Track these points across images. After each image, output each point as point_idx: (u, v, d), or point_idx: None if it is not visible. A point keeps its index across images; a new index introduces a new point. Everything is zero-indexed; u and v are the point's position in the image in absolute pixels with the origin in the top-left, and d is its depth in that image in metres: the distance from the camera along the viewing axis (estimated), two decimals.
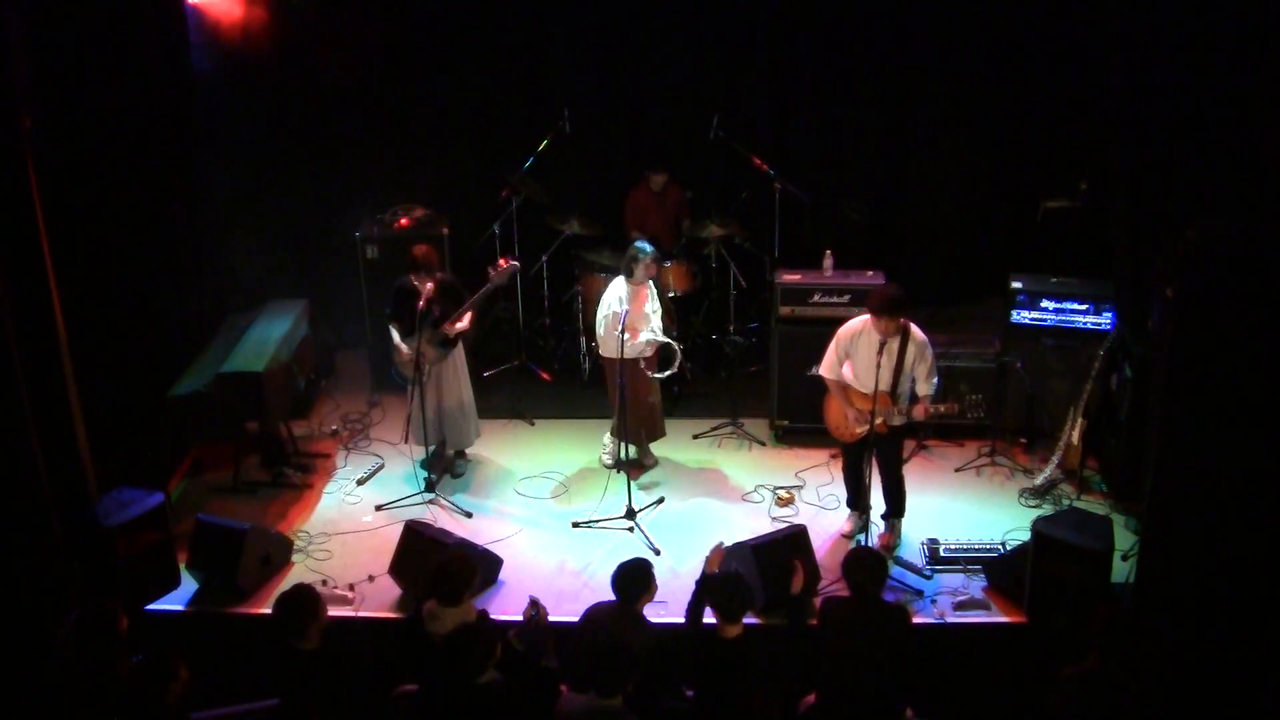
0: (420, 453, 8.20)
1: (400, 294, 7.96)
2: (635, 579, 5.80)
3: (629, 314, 7.78)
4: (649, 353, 7.93)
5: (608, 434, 8.41)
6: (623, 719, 5.21)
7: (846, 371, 7.16)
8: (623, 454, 8.12)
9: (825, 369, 7.25)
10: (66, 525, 6.36)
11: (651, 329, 7.89)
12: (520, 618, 6.02)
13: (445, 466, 8.33)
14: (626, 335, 7.71)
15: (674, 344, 7.89)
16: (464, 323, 7.90)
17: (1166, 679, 5.76)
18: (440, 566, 5.96)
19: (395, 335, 7.98)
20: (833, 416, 7.33)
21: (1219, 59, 6.36)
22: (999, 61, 9.77)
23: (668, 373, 7.93)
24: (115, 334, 7.48)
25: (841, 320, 7.32)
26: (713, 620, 5.76)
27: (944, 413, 7.15)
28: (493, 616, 6.72)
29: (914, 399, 7.10)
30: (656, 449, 8.46)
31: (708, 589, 5.80)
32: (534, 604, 5.88)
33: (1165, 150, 6.88)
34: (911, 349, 6.97)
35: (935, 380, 7.09)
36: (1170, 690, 5.77)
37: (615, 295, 7.88)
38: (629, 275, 7.85)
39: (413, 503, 7.97)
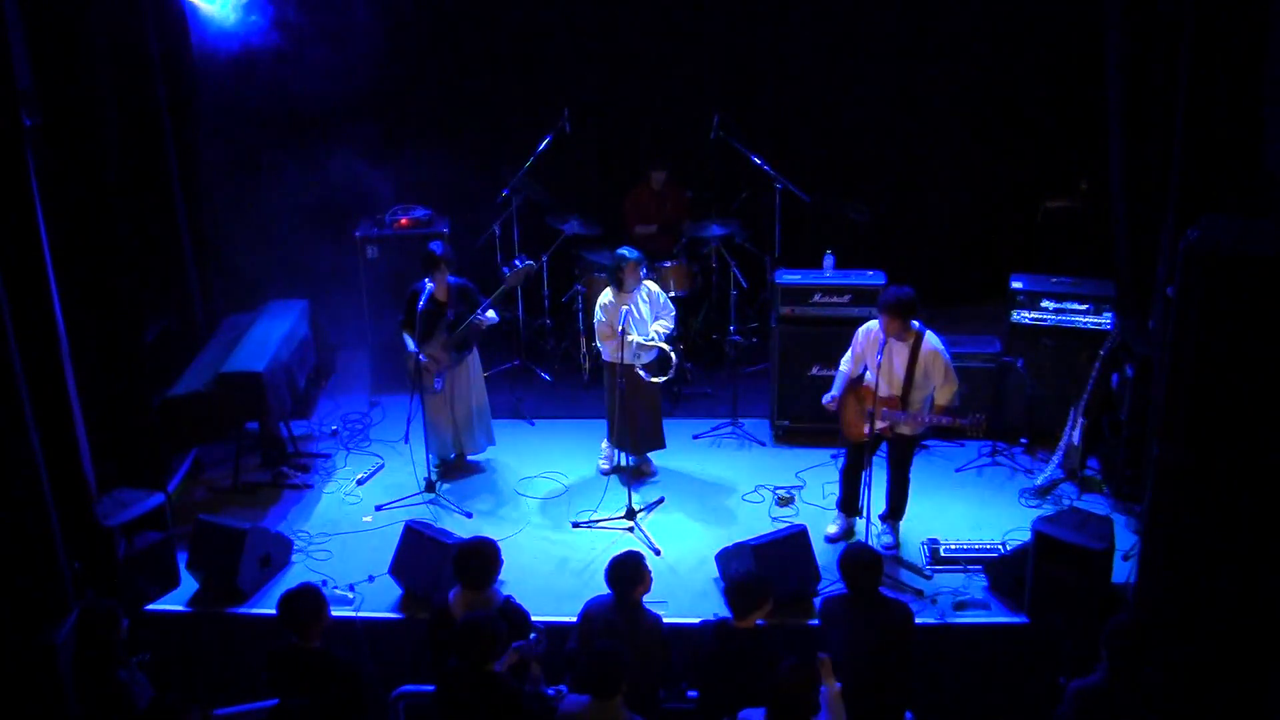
0: (420, 454, 8.17)
1: (413, 299, 7.88)
2: (627, 571, 5.83)
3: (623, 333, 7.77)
4: (644, 358, 7.81)
5: (604, 440, 8.37)
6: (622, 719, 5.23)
7: (868, 374, 7.15)
8: (620, 460, 8.12)
9: (842, 364, 7.27)
10: (66, 525, 6.35)
11: (643, 334, 7.76)
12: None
13: (446, 469, 8.32)
14: (639, 338, 7.72)
15: (669, 352, 7.79)
16: (491, 314, 7.86)
17: (1172, 692, 5.76)
18: (464, 549, 6.00)
19: (410, 343, 7.91)
20: (847, 414, 7.31)
21: (1219, 58, 6.36)
22: (999, 62, 9.79)
23: (662, 378, 7.81)
24: (115, 334, 7.47)
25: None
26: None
27: (944, 425, 7.12)
28: None
29: (931, 406, 7.08)
30: (657, 451, 8.44)
31: (725, 585, 5.84)
32: (541, 634, 5.85)
33: (1165, 150, 6.88)
34: (923, 357, 6.95)
35: (956, 389, 7.06)
36: (1176, 702, 5.77)
37: (600, 304, 7.88)
38: (618, 286, 7.78)
39: (413, 503, 7.96)
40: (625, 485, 7.84)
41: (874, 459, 7.24)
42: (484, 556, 5.93)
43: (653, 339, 7.75)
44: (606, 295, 7.88)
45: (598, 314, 7.88)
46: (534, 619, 6.13)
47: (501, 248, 9.48)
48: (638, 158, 9.84)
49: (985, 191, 10.20)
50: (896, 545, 7.40)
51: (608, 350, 7.85)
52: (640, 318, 7.78)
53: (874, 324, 7.11)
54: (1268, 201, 6.35)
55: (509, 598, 6.01)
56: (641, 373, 7.81)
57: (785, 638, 6.56)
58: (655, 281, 9.09)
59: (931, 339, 6.99)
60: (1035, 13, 9.54)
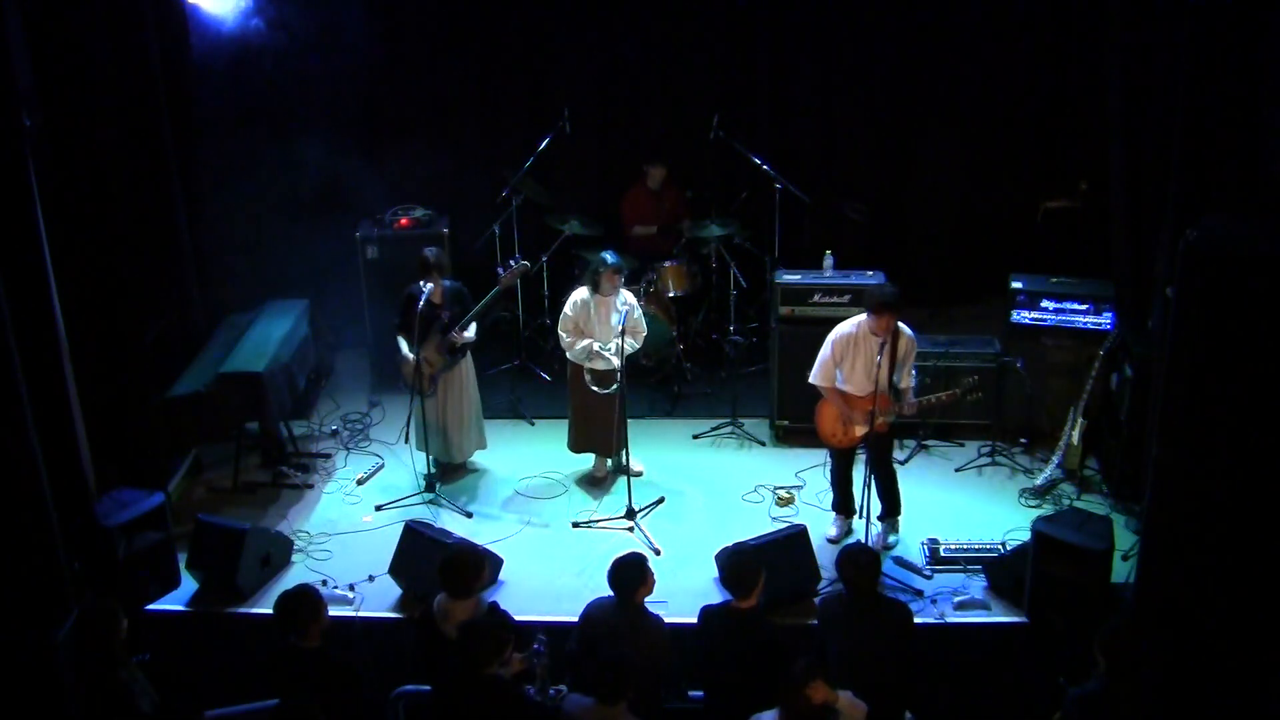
0: (419, 455, 8.18)
1: (409, 302, 7.87)
2: (629, 572, 5.82)
3: (587, 322, 7.71)
4: (599, 366, 7.70)
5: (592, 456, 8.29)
6: None
7: (840, 377, 7.12)
8: (611, 463, 8.12)
9: (821, 377, 7.17)
10: (66, 525, 6.35)
11: (604, 342, 7.65)
12: (521, 617, 6.03)
13: (443, 472, 8.31)
14: (596, 344, 7.66)
15: (616, 371, 7.62)
16: (469, 333, 7.85)
17: (1172, 695, 5.75)
18: (448, 559, 5.98)
19: (404, 346, 7.92)
20: (827, 423, 7.29)
21: (1219, 59, 6.36)
22: (999, 62, 9.79)
23: (602, 391, 7.72)
24: (115, 334, 7.47)
25: (841, 321, 7.29)
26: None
27: (945, 401, 7.14)
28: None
29: (898, 395, 7.08)
30: (656, 451, 8.42)
31: (720, 570, 5.85)
32: (543, 643, 5.82)
33: (1165, 150, 6.88)
34: (903, 346, 6.98)
35: (914, 374, 7.12)
36: (1175, 704, 5.76)
37: (571, 300, 7.78)
38: (594, 288, 7.69)
39: (413, 503, 7.97)
40: (626, 482, 7.82)
41: (861, 458, 7.26)
42: (465, 565, 5.88)
43: (610, 351, 7.61)
44: (580, 294, 7.77)
45: (565, 310, 7.79)
46: (535, 619, 6.12)
47: (501, 248, 9.47)
48: (637, 158, 9.84)
49: (985, 191, 10.20)
50: (896, 544, 7.40)
51: (565, 345, 7.79)
52: (606, 324, 7.68)
53: (849, 328, 7.06)
54: (1268, 201, 6.35)
55: (493, 604, 5.99)
56: (587, 377, 7.75)
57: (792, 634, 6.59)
58: (655, 282, 9.12)
59: (904, 326, 7.02)
60: (1035, 13, 9.55)
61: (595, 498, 8.02)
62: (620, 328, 7.51)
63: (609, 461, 8.21)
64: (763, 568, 5.86)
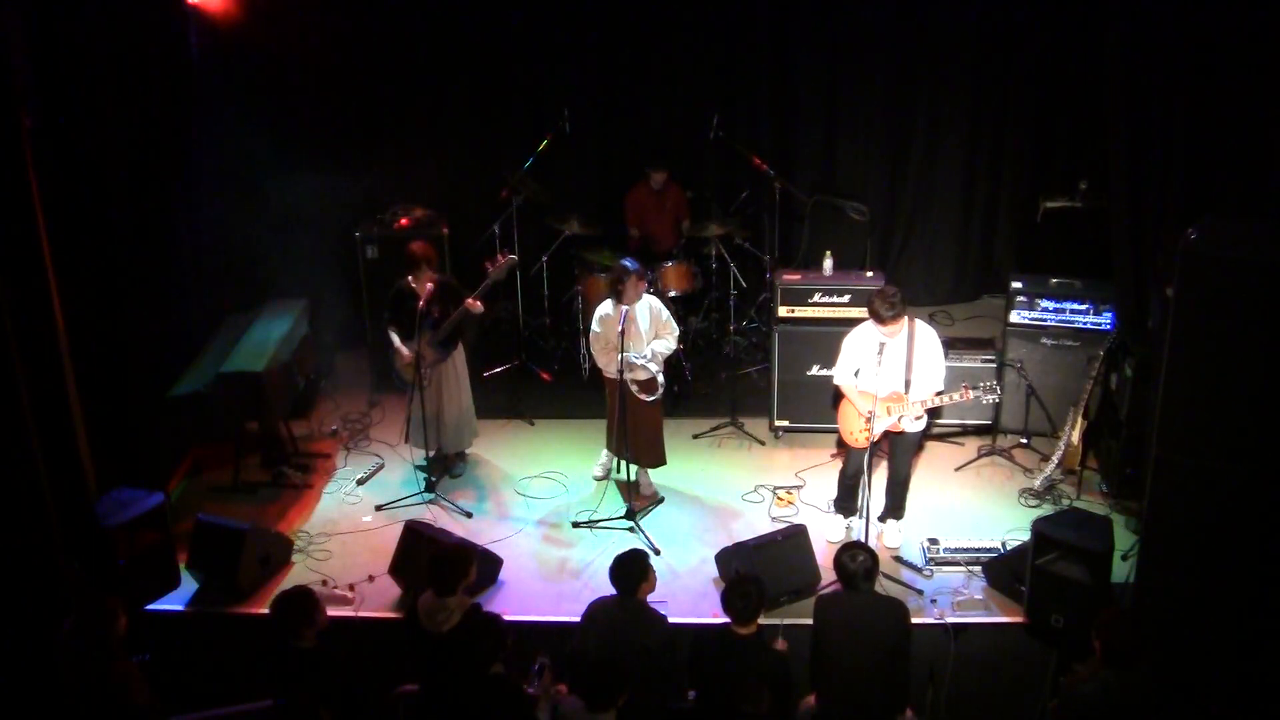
0: (419, 454, 8.19)
1: (398, 296, 7.91)
2: (631, 569, 5.80)
3: (616, 334, 7.55)
4: (640, 376, 7.58)
5: (604, 449, 8.25)
6: None
7: (860, 376, 7.12)
8: (615, 467, 8.10)
9: (839, 376, 7.20)
10: (66, 525, 6.35)
11: (637, 350, 7.51)
12: (521, 617, 6.02)
13: (444, 467, 8.33)
14: (629, 354, 7.54)
15: (656, 375, 7.54)
16: (478, 304, 7.77)
17: (1170, 693, 5.76)
18: (435, 556, 6.00)
19: (395, 339, 7.94)
20: (848, 422, 7.28)
21: (1219, 59, 6.36)
22: (999, 61, 9.80)
23: (649, 398, 7.62)
24: (115, 334, 7.47)
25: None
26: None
27: (957, 401, 7.13)
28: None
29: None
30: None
31: (725, 593, 5.77)
32: (543, 667, 5.72)
33: (1165, 150, 6.88)
34: (919, 344, 6.97)
35: (943, 372, 7.10)
36: (1172, 697, 5.77)
37: (598, 315, 7.64)
38: (618, 298, 7.48)
39: (413, 503, 7.97)
40: (626, 483, 7.82)
41: (874, 459, 7.24)
42: (451, 562, 5.88)
43: (645, 357, 7.50)
44: (605, 307, 7.62)
45: (594, 326, 7.66)
46: (535, 619, 6.10)
47: (501, 248, 9.47)
48: (638, 158, 9.83)
49: (985, 191, 10.21)
50: (897, 545, 7.40)
51: (603, 364, 7.68)
52: (637, 332, 7.54)
53: (860, 329, 7.07)
54: (1268, 201, 6.36)
55: (475, 604, 5.97)
56: (633, 387, 7.66)
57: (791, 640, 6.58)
58: (655, 282, 9.11)
59: (921, 323, 7.02)
60: (1035, 13, 9.55)
61: (595, 498, 8.01)
62: (651, 334, 7.45)
63: (623, 471, 8.14)
64: (765, 598, 5.78)
